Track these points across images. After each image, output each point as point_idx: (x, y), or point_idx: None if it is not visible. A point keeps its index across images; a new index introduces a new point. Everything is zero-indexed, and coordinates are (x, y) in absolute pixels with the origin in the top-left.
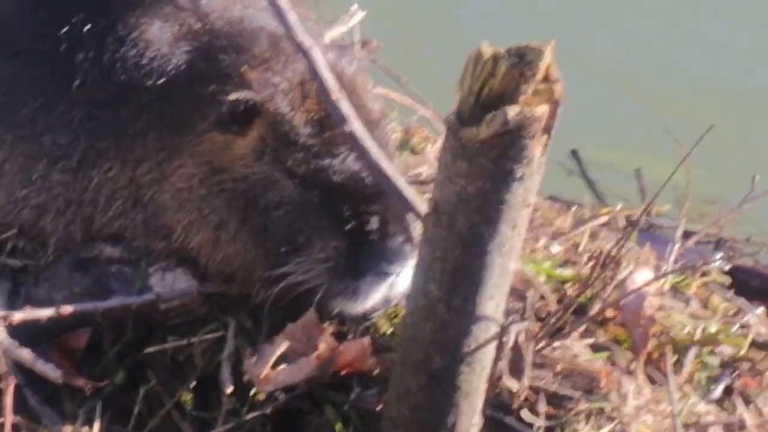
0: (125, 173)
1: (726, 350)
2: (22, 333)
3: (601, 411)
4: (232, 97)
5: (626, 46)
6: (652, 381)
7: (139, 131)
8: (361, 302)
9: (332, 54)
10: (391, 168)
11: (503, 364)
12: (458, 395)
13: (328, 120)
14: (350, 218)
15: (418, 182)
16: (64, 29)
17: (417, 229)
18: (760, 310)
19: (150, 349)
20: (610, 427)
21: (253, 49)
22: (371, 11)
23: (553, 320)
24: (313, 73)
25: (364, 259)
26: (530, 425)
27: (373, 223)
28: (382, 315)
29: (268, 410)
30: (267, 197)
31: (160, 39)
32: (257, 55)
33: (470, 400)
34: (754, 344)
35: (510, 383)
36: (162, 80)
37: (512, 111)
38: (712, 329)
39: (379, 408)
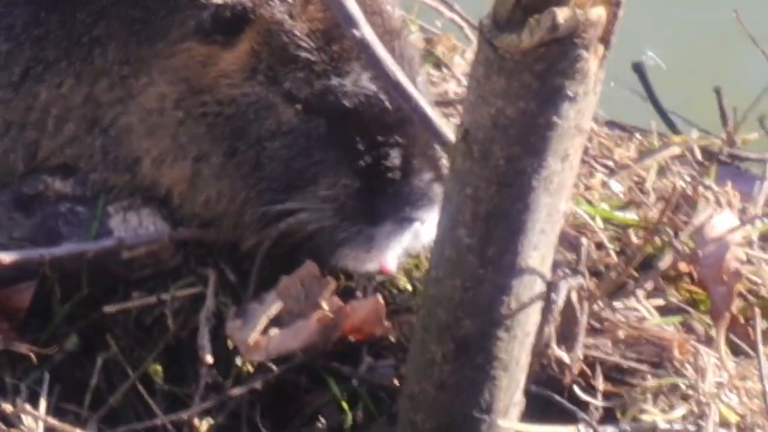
0: (80, 89)
1: None
2: None
3: (673, 388)
4: None
5: None
6: (736, 352)
7: (97, 39)
8: (376, 255)
9: None
10: (412, 87)
11: (551, 329)
12: (494, 368)
13: (336, 31)
14: (365, 152)
15: (443, 103)
16: None
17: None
18: None
19: (110, 309)
20: (684, 408)
21: None
22: None
23: (613, 275)
24: None
25: (382, 201)
26: (585, 404)
27: (394, 157)
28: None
29: (258, 385)
30: (260, 125)
31: None
32: None
33: (509, 373)
34: None
35: (559, 353)
36: None
37: (562, 13)
38: None
39: (395, 383)
